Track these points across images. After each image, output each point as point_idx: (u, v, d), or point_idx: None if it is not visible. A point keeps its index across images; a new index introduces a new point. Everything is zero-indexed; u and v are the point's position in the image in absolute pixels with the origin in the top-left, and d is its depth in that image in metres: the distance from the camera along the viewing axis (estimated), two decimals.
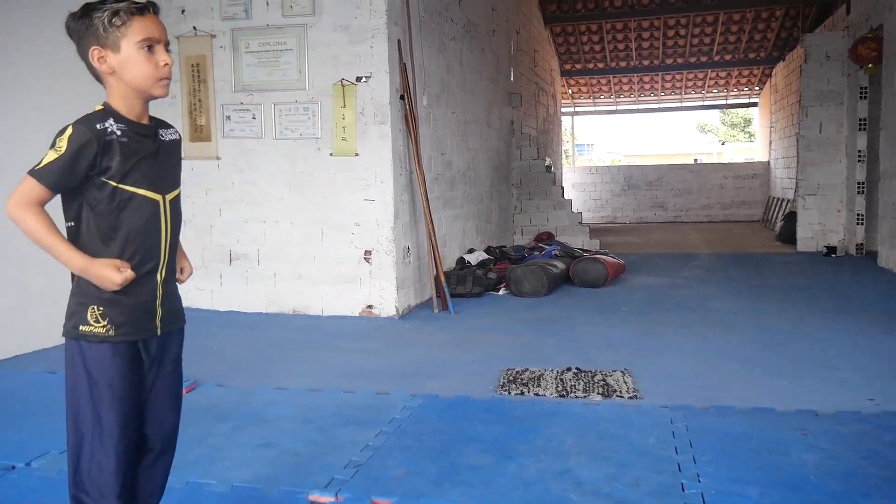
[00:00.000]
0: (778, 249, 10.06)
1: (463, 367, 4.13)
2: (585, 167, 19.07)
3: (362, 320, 5.53)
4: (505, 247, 8.43)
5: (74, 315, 1.76)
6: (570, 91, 18.04)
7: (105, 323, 1.72)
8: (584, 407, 3.37)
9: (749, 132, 37.80)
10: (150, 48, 1.72)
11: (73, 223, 1.76)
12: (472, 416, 3.25)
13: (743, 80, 17.44)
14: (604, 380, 3.77)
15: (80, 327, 1.74)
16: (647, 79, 17.65)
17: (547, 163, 10.71)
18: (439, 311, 5.81)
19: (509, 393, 3.62)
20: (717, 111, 34.78)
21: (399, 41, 5.70)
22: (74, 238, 1.75)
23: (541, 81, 13.14)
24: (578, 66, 16.61)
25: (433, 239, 5.99)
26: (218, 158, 5.84)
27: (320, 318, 5.59)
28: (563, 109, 17.59)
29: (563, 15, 14.07)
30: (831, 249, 9.02)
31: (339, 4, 5.51)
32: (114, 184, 1.71)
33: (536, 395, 3.58)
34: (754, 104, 18.34)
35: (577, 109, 19.22)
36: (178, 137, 1.95)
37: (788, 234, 10.29)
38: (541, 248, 8.23)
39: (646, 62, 16.30)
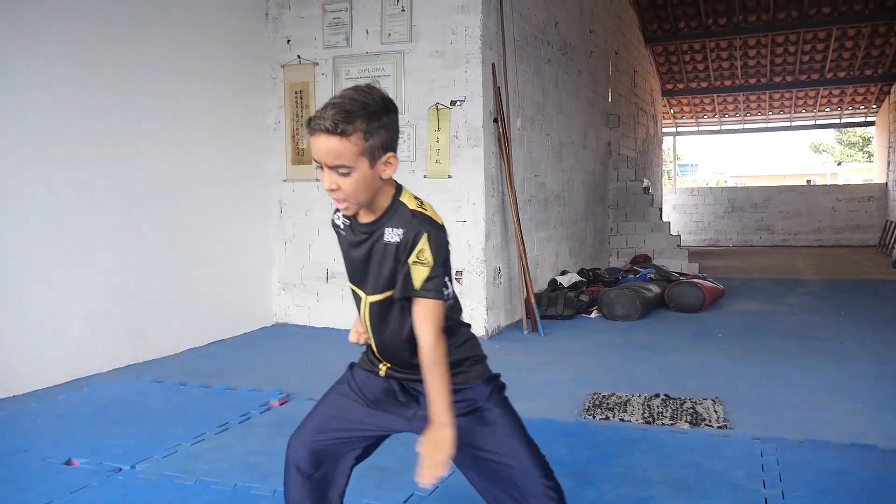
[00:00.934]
0: (894, 277, 9.48)
1: (549, 390, 4.13)
2: (687, 188, 18.58)
3: None
4: (599, 269, 8.33)
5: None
6: (671, 111, 17.67)
7: None
8: (670, 435, 3.30)
9: (868, 152, 35.83)
10: (319, 167, 1.67)
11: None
12: (555, 439, 3.24)
13: (858, 98, 16.59)
14: (693, 408, 3.68)
15: None
16: (753, 97, 17.07)
17: (645, 184, 10.52)
18: (529, 333, 5.81)
19: (594, 417, 3.59)
20: (832, 130, 33.21)
21: (493, 65, 5.78)
22: None
23: (640, 102, 12.95)
24: (681, 86, 16.27)
25: (524, 260, 6.01)
26: (317, 180, 6.08)
27: None
28: (665, 130, 17.24)
29: (665, 34, 13.85)
30: None
31: (435, 31, 5.66)
32: None
33: (622, 420, 3.54)
34: (871, 123, 17.40)
35: (680, 129, 18.79)
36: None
37: None
38: (636, 271, 8.08)
39: (752, 80, 15.77)
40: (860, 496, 2.58)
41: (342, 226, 1.78)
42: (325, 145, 1.60)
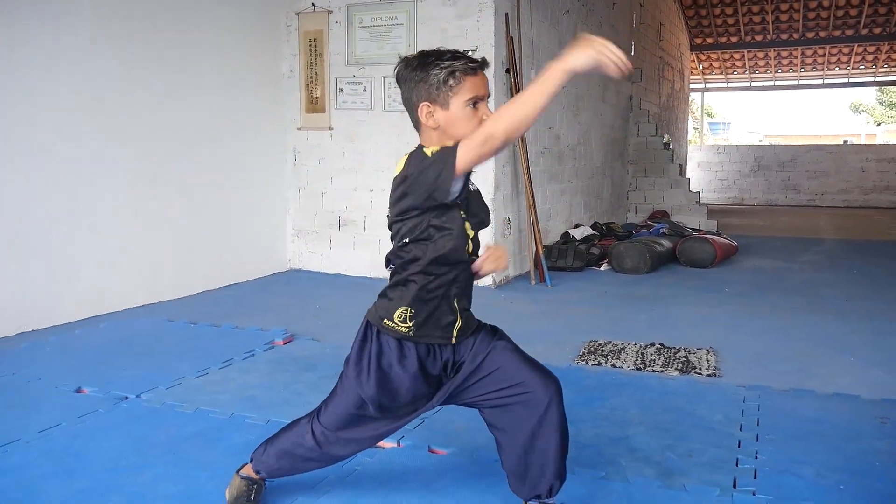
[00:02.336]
0: None
1: (547, 337, 4.21)
2: (713, 146, 18.31)
3: None
4: (613, 223, 8.34)
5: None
6: (700, 66, 17.33)
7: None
8: (658, 381, 3.38)
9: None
10: (475, 104, 1.77)
11: None
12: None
13: (895, 56, 16.12)
14: (686, 357, 3.75)
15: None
16: (785, 53, 16.66)
17: (665, 139, 10.42)
18: (536, 284, 5.89)
19: (587, 363, 3.67)
20: (873, 90, 32.30)
21: (507, 15, 5.75)
22: None
23: (666, 56, 12.73)
24: (710, 41, 15.93)
25: (533, 212, 6.05)
26: (331, 129, 6.14)
27: None
28: (693, 85, 16.95)
29: None
30: None
31: None
32: None
33: (613, 366, 3.62)
34: None
35: (709, 86, 18.45)
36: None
37: None
38: (649, 225, 8.08)
39: (784, 36, 15.38)
40: (831, 440, 2.65)
41: None
42: (485, 79, 1.81)
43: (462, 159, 1.67)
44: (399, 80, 1.81)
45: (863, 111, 39.31)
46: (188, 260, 5.35)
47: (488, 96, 1.81)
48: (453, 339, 1.92)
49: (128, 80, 4.82)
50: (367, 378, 1.91)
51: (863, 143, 27.57)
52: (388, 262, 1.93)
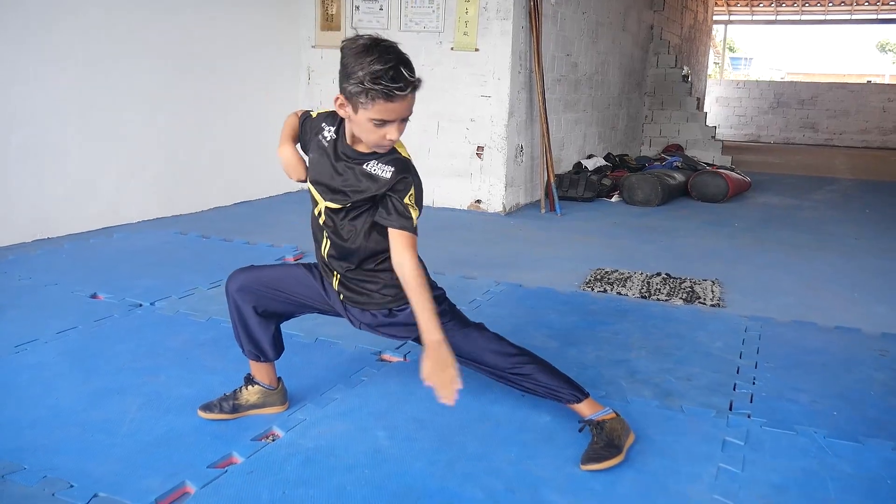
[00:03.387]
0: None
1: (555, 264, 4.25)
2: (732, 81, 17.95)
3: (469, 214, 5.72)
4: (626, 155, 8.28)
5: None
6: None
7: None
8: (661, 309, 3.43)
9: None
10: (382, 124, 1.75)
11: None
12: (548, 306, 3.39)
13: None
14: (691, 287, 3.79)
15: None
16: None
17: (685, 72, 10.23)
18: (546, 212, 5.89)
19: (592, 290, 3.72)
20: None
21: None
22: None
23: None
24: None
25: (547, 140, 6.01)
26: None
27: (430, 209, 5.82)
28: (716, 17, 16.48)
29: None
30: None
31: None
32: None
33: (619, 294, 3.66)
34: None
35: (732, 18, 17.95)
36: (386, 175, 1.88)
37: None
38: (663, 158, 8.02)
39: None
40: (830, 369, 2.70)
41: (327, 142, 1.94)
42: (406, 102, 1.75)
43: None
44: (341, 54, 1.78)
45: (889, 50, 38.26)
46: (201, 176, 5.37)
47: (406, 117, 1.78)
48: (335, 289, 2.07)
49: (144, 2, 4.75)
50: None
51: (887, 82, 26.94)
52: None
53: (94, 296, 3.27)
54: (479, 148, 5.71)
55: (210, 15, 5.28)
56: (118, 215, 4.77)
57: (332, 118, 1.95)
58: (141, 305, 3.16)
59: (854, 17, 17.05)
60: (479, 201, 5.79)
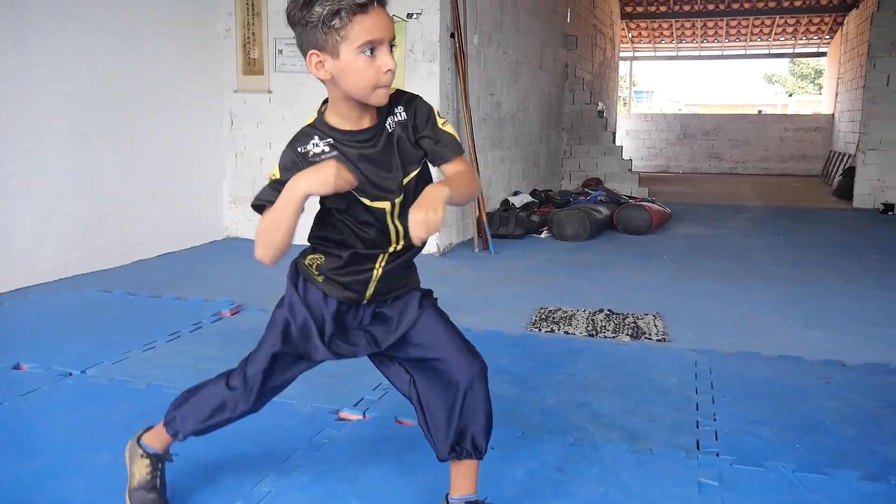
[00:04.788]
0: (833, 205, 9.81)
1: (498, 304, 4.23)
2: (641, 114, 18.68)
3: None
4: (551, 191, 8.42)
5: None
6: (629, 35, 17.58)
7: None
8: (611, 347, 3.44)
9: (819, 84, 36.31)
10: (372, 51, 1.49)
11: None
12: (500, 350, 3.36)
13: (812, 28, 16.72)
14: (635, 322, 3.83)
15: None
16: (710, 24, 17.07)
17: (599, 107, 10.55)
18: (480, 251, 5.90)
19: (540, 330, 3.71)
20: (786, 61, 33.49)
21: None
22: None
23: (599, 24, 12.84)
24: (640, 9, 16.13)
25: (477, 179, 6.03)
26: (269, 92, 5.95)
27: None
28: (622, 54, 17.17)
29: None
30: (888, 207, 8.77)
31: None
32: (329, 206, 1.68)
33: (566, 333, 3.67)
34: (823, 54, 17.60)
35: (637, 55, 18.74)
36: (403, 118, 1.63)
37: (845, 190, 10.03)
38: (587, 193, 8.20)
39: (710, 6, 15.72)
40: (782, 400, 2.76)
41: (327, 150, 1.59)
42: (384, 18, 1.50)
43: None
44: (289, 21, 1.54)
45: (776, 81, 40.79)
46: (121, 227, 5.12)
47: (392, 39, 1.52)
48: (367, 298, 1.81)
49: (56, 37, 4.53)
50: None
51: (779, 112, 28.63)
52: None
53: (16, 366, 3.02)
54: None
55: (129, 58, 5.09)
56: (34, 273, 4.48)
57: (307, 134, 1.61)
58: (71, 374, 2.94)
59: (748, 52, 18.10)
60: None
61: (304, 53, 1.54)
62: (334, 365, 3.07)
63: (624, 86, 19.45)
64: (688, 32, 17.66)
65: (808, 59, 26.14)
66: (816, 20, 16.26)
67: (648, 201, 7.79)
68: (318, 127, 1.61)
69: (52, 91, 4.54)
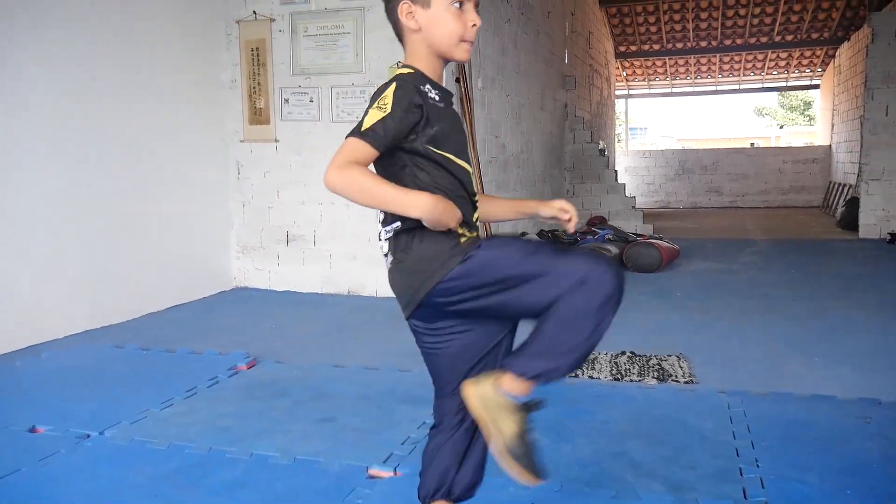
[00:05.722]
0: (839, 236, 9.79)
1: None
2: (639, 151, 18.78)
3: None
4: (557, 230, 8.39)
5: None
6: (624, 73, 17.76)
7: None
8: (638, 390, 3.37)
9: (809, 115, 36.69)
10: (460, 5, 1.60)
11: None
12: (526, 396, 3.27)
13: (804, 62, 16.91)
14: (659, 364, 3.76)
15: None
16: (704, 60, 17.26)
17: (600, 146, 10.60)
18: None
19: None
20: (775, 94, 33.88)
21: None
22: None
23: (595, 64, 12.98)
24: (633, 48, 16.33)
25: (486, 223, 6.00)
26: (276, 141, 5.94)
27: (374, 299, 5.67)
28: (618, 92, 17.33)
29: None
30: (895, 236, 8.75)
31: None
32: (433, 149, 1.56)
33: (591, 377, 3.59)
34: (816, 86, 17.79)
35: (632, 92, 18.92)
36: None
37: (850, 221, 10.01)
38: (594, 231, 8.16)
39: (703, 43, 15.92)
40: (823, 442, 2.68)
41: (437, 98, 1.60)
42: None
43: (343, 162, 1.48)
44: None
45: (766, 114, 41.22)
46: (129, 280, 5.06)
47: (477, 2, 1.63)
48: None
49: (63, 88, 4.53)
50: None
51: (771, 144, 28.87)
52: None
53: (32, 429, 2.94)
54: None
55: (135, 109, 5.09)
56: (43, 331, 4.40)
57: (418, 77, 1.59)
58: (89, 436, 2.85)
59: (742, 86, 18.29)
60: None
61: (394, 8, 1.61)
62: (357, 418, 3.00)
63: (620, 123, 19.61)
64: (681, 69, 17.86)
65: (799, 91, 26.42)
66: (808, 53, 16.46)
67: (656, 238, 7.75)
68: (422, 75, 1.61)
69: (56, 143, 4.52)
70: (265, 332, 4.67)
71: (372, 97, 1.57)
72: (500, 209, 1.93)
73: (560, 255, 1.54)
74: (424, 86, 1.59)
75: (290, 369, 3.78)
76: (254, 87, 5.95)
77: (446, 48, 1.61)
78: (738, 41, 15.70)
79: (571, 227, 1.76)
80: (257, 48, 5.90)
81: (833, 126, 15.22)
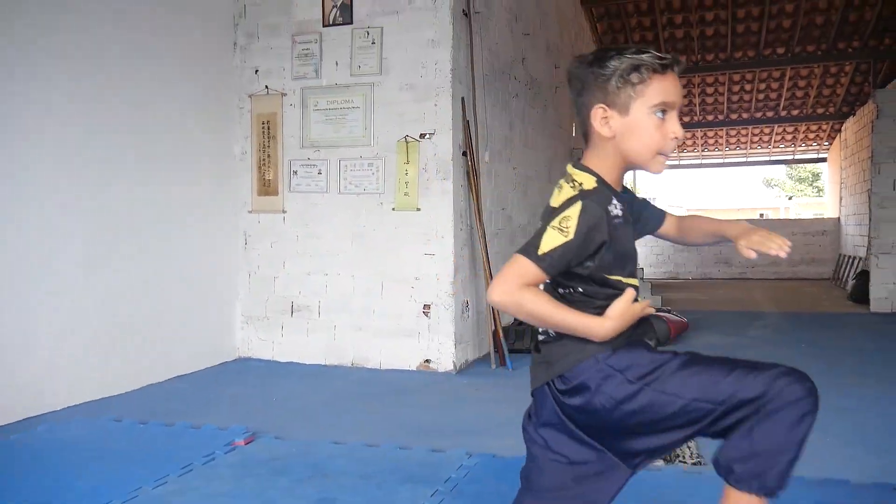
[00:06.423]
0: (850, 309, 9.69)
1: (518, 426, 4.06)
2: None
3: (420, 374, 5.53)
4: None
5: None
6: None
7: None
8: (645, 472, 3.25)
9: (817, 186, 36.92)
10: (663, 113, 1.50)
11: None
12: None
13: (811, 136, 17.11)
14: None
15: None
16: (710, 133, 17.49)
17: None
18: (497, 367, 5.77)
19: None
20: (783, 166, 34.21)
21: (463, 99, 5.80)
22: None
23: None
24: None
25: None
26: (284, 212, 6.00)
27: (378, 371, 5.61)
28: None
29: None
30: None
31: (405, 64, 5.66)
32: (605, 275, 1.52)
33: None
34: (823, 159, 17.94)
35: None
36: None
37: (861, 294, 9.93)
38: None
39: (709, 117, 16.16)
40: None
41: (619, 214, 1.54)
42: (679, 82, 1.50)
43: (514, 282, 1.46)
44: (570, 78, 1.57)
45: (775, 185, 41.52)
46: (131, 350, 5.03)
47: (679, 106, 1.52)
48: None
49: (79, 161, 4.60)
50: None
51: (780, 215, 28.96)
52: None
53: None
54: (426, 306, 5.62)
55: (144, 181, 5.16)
56: (41, 402, 4.36)
57: (603, 193, 1.52)
58: None
59: (749, 159, 18.46)
60: (428, 361, 5.63)
61: (586, 110, 1.54)
62: (357, 498, 2.92)
63: None
64: (689, 142, 18.08)
65: (806, 164, 26.70)
66: (815, 127, 16.66)
67: (664, 310, 7.69)
68: (607, 188, 1.56)
69: (66, 207, 4.57)
70: (266, 404, 4.61)
71: (550, 211, 1.52)
72: (694, 235, 1.83)
73: (735, 371, 1.53)
74: (610, 203, 1.52)
75: (290, 445, 3.70)
76: (263, 160, 6.04)
77: (640, 160, 1.53)
78: (745, 115, 15.92)
79: (783, 253, 1.61)
80: (268, 121, 6.02)
81: (841, 199, 15.28)
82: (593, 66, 1.50)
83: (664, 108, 1.48)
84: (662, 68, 1.47)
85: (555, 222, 1.45)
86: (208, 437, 3.79)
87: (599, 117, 1.52)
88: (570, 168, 1.61)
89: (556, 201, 1.56)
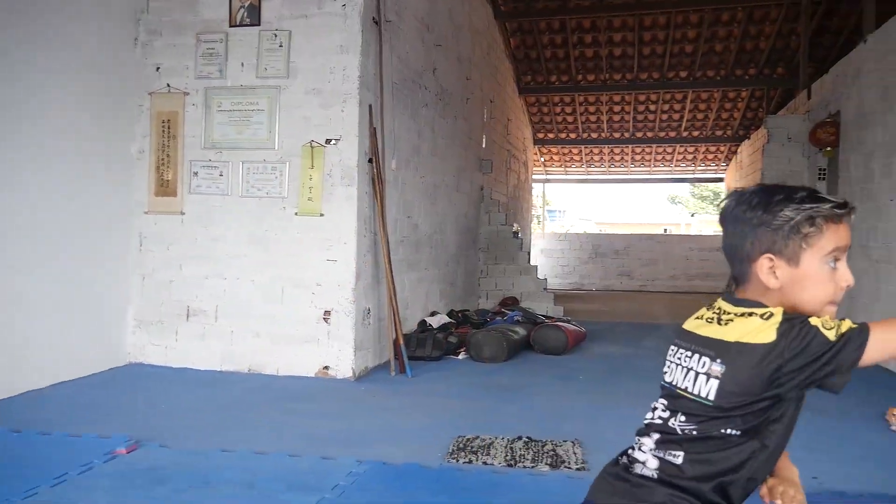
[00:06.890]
0: None
1: (414, 433, 4.09)
2: (555, 234, 19.31)
3: (318, 381, 5.47)
4: (468, 311, 8.45)
5: None
6: (542, 159, 18.39)
7: None
8: (530, 478, 3.34)
9: (718, 206, 38.49)
10: (835, 261, 1.37)
11: None
12: (419, 485, 3.21)
13: (710, 156, 17.94)
14: (553, 450, 3.76)
15: None
16: (617, 150, 18.09)
17: (515, 228, 10.83)
18: (396, 374, 5.77)
19: (458, 461, 3.58)
20: (687, 184, 35.67)
21: (370, 106, 5.80)
22: None
23: (513, 149, 13.39)
24: (551, 136, 16.99)
25: (394, 301, 5.99)
26: (182, 213, 5.83)
27: (276, 378, 5.52)
28: (535, 176, 17.89)
29: (538, 86, 14.47)
30: None
31: (312, 69, 5.62)
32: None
33: (485, 463, 3.55)
34: (720, 179, 18.82)
35: (549, 177, 19.56)
36: None
37: None
38: (503, 313, 8.25)
39: (616, 134, 16.73)
40: None
41: None
42: (849, 230, 1.38)
43: (871, 352, 1.28)
44: (728, 218, 1.43)
45: (679, 202, 43.28)
46: (9, 353, 4.77)
47: (848, 249, 1.40)
48: None
49: None
50: None
51: (682, 231, 30.20)
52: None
53: None
54: (327, 312, 5.57)
55: (30, 176, 4.91)
56: None
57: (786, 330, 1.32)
58: None
59: (652, 175, 19.18)
60: (327, 367, 5.58)
61: (750, 258, 1.40)
62: None
63: (538, 206, 20.18)
64: (596, 157, 18.65)
65: (705, 183, 27.98)
66: (713, 149, 17.47)
67: (564, 320, 7.89)
68: None
69: None
70: (154, 411, 4.46)
71: (728, 346, 1.38)
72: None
73: None
74: None
75: (175, 454, 3.60)
76: (162, 159, 5.86)
77: (809, 311, 1.37)
78: (649, 134, 16.56)
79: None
80: (169, 120, 5.84)
81: None
82: (758, 211, 1.38)
83: (836, 257, 1.38)
84: (837, 218, 1.36)
85: (824, 329, 1.30)
86: (87, 446, 3.63)
87: (766, 268, 1.39)
88: (745, 306, 1.43)
89: (735, 335, 1.40)
